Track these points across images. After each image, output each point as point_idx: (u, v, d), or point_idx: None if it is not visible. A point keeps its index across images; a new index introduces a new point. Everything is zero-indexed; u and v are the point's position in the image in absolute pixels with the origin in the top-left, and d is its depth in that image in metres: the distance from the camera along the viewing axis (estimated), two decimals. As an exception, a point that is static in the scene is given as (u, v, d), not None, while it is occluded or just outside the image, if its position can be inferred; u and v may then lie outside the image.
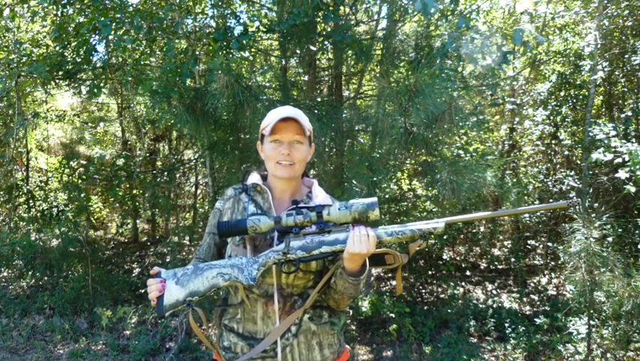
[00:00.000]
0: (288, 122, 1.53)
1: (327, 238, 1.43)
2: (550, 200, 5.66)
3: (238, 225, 1.45)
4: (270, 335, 1.51)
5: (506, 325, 4.40)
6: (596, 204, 4.55)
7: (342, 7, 4.37)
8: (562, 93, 6.00)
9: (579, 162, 5.72)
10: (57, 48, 4.97)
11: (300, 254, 1.43)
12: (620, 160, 4.07)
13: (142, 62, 5.42)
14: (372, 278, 5.49)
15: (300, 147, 1.56)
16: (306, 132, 1.56)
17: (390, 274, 5.83)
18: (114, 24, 4.07)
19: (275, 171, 1.57)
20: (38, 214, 6.14)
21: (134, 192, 6.72)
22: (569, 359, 3.76)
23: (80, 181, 5.78)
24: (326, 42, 4.20)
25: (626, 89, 6.11)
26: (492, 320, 4.48)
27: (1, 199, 6.99)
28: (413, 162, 4.52)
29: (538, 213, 5.67)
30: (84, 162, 6.48)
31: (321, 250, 1.42)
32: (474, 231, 6.16)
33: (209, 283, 1.42)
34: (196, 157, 6.85)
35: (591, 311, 3.61)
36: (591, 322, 3.65)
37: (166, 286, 1.42)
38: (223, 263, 1.45)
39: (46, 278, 5.50)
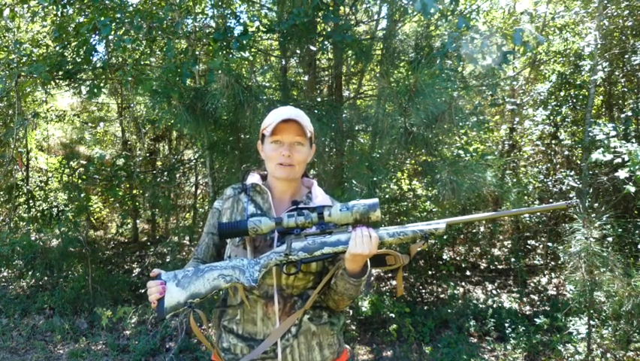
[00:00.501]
0: (290, 123, 1.53)
1: (328, 239, 1.43)
2: (550, 200, 5.66)
3: (239, 226, 1.45)
4: (270, 336, 1.51)
5: (506, 325, 4.40)
6: (596, 204, 4.55)
7: (342, 7, 4.37)
8: (562, 93, 6.01)
9: (579, 162, 5.72)
10: (57, 48, 4.97)
11: (302, 255, 1.43)
12: (619, 160, 4.07)
13: (142, 62, 5.42)
14: (373, 278, 5.49)
15: (300, 149, 1.56)
16: (307, 134, 1.55)
17: (390, 274, 5.83)
18: (114, 24, 4.07)
19: (275, 171, 1.57)
20: (38, 214, 6.14)
21: (134, 192, 6.72)
22: (569, 359, 3.76)
23: (80, 181, 5.78)
24: (326, 42, 4.20)
25: (626, 89, 6.11)
26: (492, 320, 4.48)
27: (1, 199, 6.99)
28: (413, 162, 4.52)
29: (538, 214, 5.67)
30: (84, 162, 6.47)
31: (323, 251, 1.42)
32: (474, 231, 6.16)
33: (210, 285, 1.42)
34: (196, 157, 6.85)
35: (591, 311, 3.61)
36: (591, 322, 3.65)
37: (166, 288, 1.41)
38: (224, 265, 1.45)
39: (46, 278, 5.50)
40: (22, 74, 4.94)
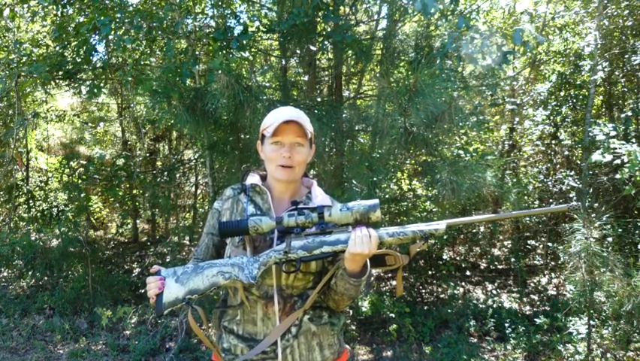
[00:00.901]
0: (290, 124, 1.52)
1: (328, 238, 1.43)
2: (550, 200, 5.66)
3: (239, 225, 1.45)
4: (269, 335, 1.51)
5: (506, 325, 4.40)
6: (596, 204, 4.55)
7: (342, 7, 4.37)
8: (562, 93, 6.01)
9: (579, 162, 5.72)
10: (57, 48, 4.97)
11: (302, 254, 1.43)
12: (619, 161, 4.07)
13: (142, 62, 5.42)
14: (373, 278, 5.49)
15: (300, 150, 1.56)
16: (307, 135, 1.55)
17: (390, 274, 5.83)
18: (114, 24, 4.07)
19: (275, 173, 1.56)
20: (38, 214, 6.14)
21: (134, 192, 6.72)
22: (569, 359, 3.76)
23: (80, 181, 5.78)
24: (326, 42, 4.20)
25: (626, 89, 6.11)
26: (492, 320, 4.48)
27: (1, 199, 6.99)
28: (413, 162, 4.52)
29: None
30: (84, 162, 6.48)
31: (323, 249, 1.42)
32: (474, 231, 6.16)
33: (209, 282, 1.42)
34: (196, 157, 6.85)
35: (591, 311, 3.61)
36: (591, 322, 3.65)
37: (165, 284, 1.41)
38: (223, 262, 1.45)
39: (46, 278, 5.49)
40: (22, 74, 4.94)
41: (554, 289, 5.41)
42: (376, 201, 1.40)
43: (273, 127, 1.52)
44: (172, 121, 4.09)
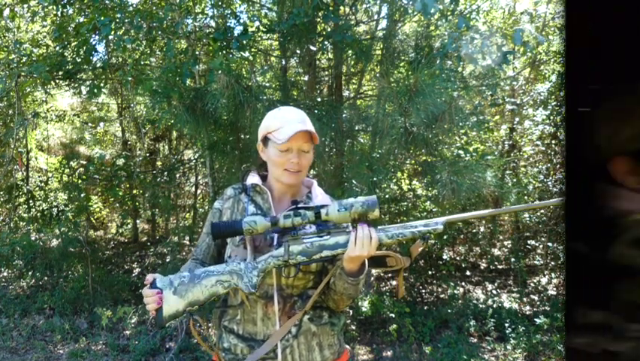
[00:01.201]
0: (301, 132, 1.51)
1: (327, 241, 1.42)
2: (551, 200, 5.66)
3: (234, 226, 1.44)
4: (271, 337, 1.51)
5: (506, 325, 4.40)
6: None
7: (342, 7, 4.37)
8: (562, 93, 6.00)
9: (579, 162, 5.71)
10: (57, 48, 4.97)
11: (301, 259, 1.42)
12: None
13: (142, 62, 5.42)
14: (373, 278, 5.49)
15: (307, 156, 1.56)
16: (314, 140, 1.55)
17: (390, 274, 5.83)
18: (114, 24, 4.07)
19: (281, 177, 1.55)
20: (38, 214, 6.14)
21: (134, 192, 6.72)
22: (569, 359, 3.76)
23: (80, 181, 5.77)
24: (326, 42, 4.20)
25: (626, 89, 6.10)
26: (492, 320, 4.48)
27: (1, 199, 6.99)
28: (413, 162, 4.52)
29: (539, 213, 5.67)
30: (84, 162, 6.47)
31: (322, 254, 1.42)
32: (474, 231, 6.16)
33: (208, 292, 1.41)
34: (196, 157, 6.85)
35: (591, 311, 3.60)
36: (591, 322, 3.65)
37: (164, 298, 1.40)
38: (221, 270, 1.44)
39: (46, 278, 5.49)
40: (22, 74, 4.94)
41: (554, 289, 5.41)
42: (374, 198, 1.38)
43: (283, 135, 1.48)
44: (172, 121, 4.09)
